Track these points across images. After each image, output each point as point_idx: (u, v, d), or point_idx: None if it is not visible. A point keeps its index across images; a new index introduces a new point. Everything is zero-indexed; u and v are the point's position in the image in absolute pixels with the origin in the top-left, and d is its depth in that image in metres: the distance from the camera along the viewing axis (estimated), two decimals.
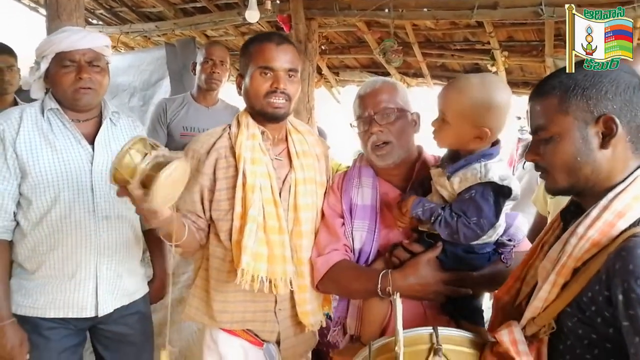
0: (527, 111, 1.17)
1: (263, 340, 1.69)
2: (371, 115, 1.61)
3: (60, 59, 1.72)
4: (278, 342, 1.71)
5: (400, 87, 1.70)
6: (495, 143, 1.47)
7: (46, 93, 1.82)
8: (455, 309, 1.53)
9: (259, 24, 4.78)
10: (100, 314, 1.79)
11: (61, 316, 1.76)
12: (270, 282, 1.57)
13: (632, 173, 1.05)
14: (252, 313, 1.66)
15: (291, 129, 1.75)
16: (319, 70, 5.38)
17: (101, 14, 5.90)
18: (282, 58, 1.61)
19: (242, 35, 5.32)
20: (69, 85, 1.72)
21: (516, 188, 1.44)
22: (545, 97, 1.10)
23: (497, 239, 1.52)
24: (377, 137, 1.60)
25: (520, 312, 1.16)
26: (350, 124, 1.70)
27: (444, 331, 1.22)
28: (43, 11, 5.67)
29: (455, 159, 1.48)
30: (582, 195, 1.13)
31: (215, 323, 1.66)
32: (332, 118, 7.08)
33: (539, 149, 1.12)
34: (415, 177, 1.66)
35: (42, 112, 1.75)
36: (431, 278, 1.49)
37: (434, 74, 5.08)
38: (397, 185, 1.68)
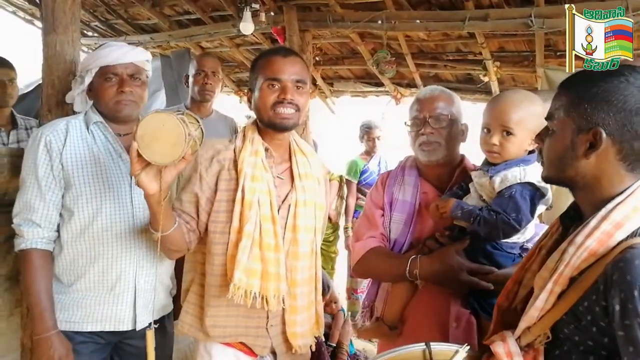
0: None
1: (257, 353, 1.69)
2: (426, 117, 1.75)
3: (104, 73, 1.76)
4: (274, 353, 1.70)
5: (457, 99, 1.83)
6: (532, 151, 1.58)
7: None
8: (478, 304, 1.62)
9: (254, 35, 4.80)
10: (138, 327, 1.78)
11: (98, 329, 1.75)
12: (262, 298, 1.57)
13: (631, 185, 1.06)
14: (244, 328, 1.66)
15: (296, 149, 1.76)
16: (314, 81, 5.39)
17: (96, 26, 5.91)
18: (289, 70, 1.63)
19: (236, 47, 5.35)
20: (111, 98, 1.76)
21: (549, 193, 1.57)
22: (562, 93, 1.14)
23: (524, 244, 1.63)
24: (427, 138, 1.74)
25: (516, 315, 1.17)
26: (405, 123, 1.83)
27: (438, 346, 1.23)
28: (39, 24, 5.70)
29: (495, 164, 1.60)
30: (575, 191, 1.16)
31: (209, 338, 1.66)
32: (326, 128, 7.11)
33: (544, 136, 1.17)
34: (455, 181, 1.79)
35: (87, 125, 1.78)
36: (456, 267, 1.59)
37: (427, 84, 5.09)
38: (436, 187, 1.82)
